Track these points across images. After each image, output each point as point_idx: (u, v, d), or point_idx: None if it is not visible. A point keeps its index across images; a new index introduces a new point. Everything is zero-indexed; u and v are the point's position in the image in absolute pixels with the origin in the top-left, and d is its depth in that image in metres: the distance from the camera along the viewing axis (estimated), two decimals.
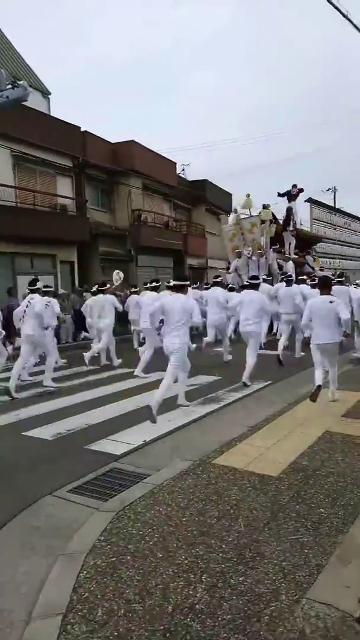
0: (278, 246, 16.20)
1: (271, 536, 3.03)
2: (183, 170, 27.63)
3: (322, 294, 6.44)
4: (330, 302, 6.19)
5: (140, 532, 3.10)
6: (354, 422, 5.44)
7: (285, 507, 3.42)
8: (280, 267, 15.14)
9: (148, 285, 9.65)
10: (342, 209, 44.83)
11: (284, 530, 3.11)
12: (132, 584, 2.56)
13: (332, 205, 43.91)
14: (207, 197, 27.47)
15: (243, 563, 2.74)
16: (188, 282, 6.71)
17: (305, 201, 34.51)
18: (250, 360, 7.67)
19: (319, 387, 6.07)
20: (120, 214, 20.94)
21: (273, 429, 5.23)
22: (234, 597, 2.43)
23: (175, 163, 24.62)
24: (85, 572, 2.69)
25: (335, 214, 41.72)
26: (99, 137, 19.59)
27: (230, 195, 31.06)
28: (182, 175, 27.26)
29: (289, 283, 10.15)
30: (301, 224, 20.72)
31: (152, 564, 2.74)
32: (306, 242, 18.86)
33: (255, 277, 8.88)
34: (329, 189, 48.47)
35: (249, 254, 15.46)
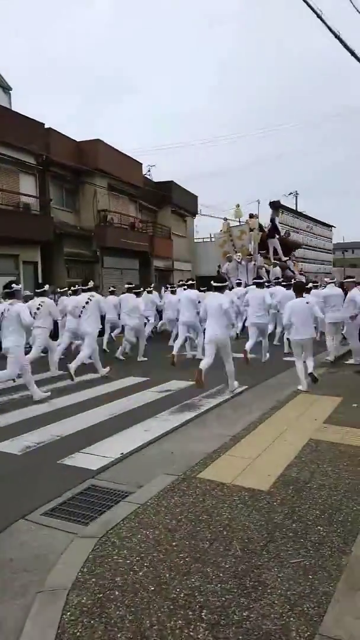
0: (265, 252, 17.89)
1: (271, 560, 2.79)
2: (149, 171, 27.32)
3: (297, 296, 7.45)
4: (307, 302, 7.30)
5: (128, 561, 2.80)
6: (336, 429, 5.30)
7: (281, 525, 3.19)
8: (267, 272, 16.51)
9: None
10: (304, 212, 45.64)
11: (284, 552, 2.88)
12: (124, 626, 2.27)
13: (294, 208, 44.58)
14: (172, 199, 27.26)
15: (245, 594, 2.48)
16: (227, 283, 8.08)
17: (268, 204, 35.06)
18: (264, 342, 9.81)
19: (311, 374, 7.20)
20: (85, 214, 20.46)
21: (256, 437, 5.02)
22: (240, 638, 2.18)
23: (141, 163, 24.29)
24: (69, 612, 2.38)
25: (298, 218, 42.46)
26: (63, 134, 19.07)
27: (196, 197, 31.00)
28: (148, 176, 26.93)
29: (287, 287, 11.44)
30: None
31: (144, 600, 2.45)
32: (287, 248, 20.17)
33: (260, 278, 10.70)
34: (291, 193, 49.23)
35: (238, 258, 16.80)
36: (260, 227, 18.23)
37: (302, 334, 7.12)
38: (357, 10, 9.38)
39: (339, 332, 10.14)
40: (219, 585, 2.56)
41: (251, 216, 18.08)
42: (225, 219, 19.37)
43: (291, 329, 7.25)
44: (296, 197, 49.02)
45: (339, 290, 9.98)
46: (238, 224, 18.44)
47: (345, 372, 8.74)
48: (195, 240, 32.42)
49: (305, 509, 3.43)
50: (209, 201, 69.58)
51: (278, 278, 15.16)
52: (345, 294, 9.80)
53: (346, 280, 11.13)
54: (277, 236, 18.63)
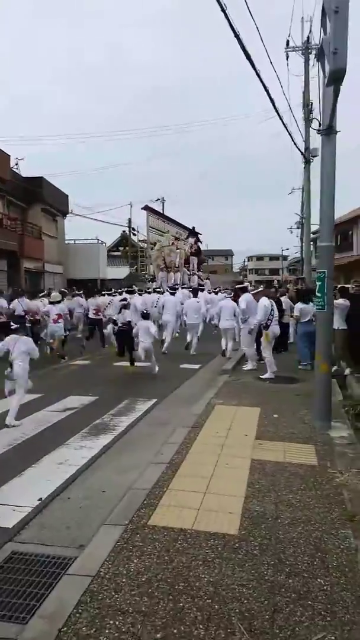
0: (188, 266, 24.59)
1: None
2: (17, 164, 25.10)
3: (193, 297, 12.73)
4: (197, 302, 12.24)
5: None
6: (273, 446, 4.91)
7: (277, 584, 2.61)
8: (189, 279, 23.07)
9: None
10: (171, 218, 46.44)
11: (298, 624, 2.29)
12: None
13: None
14: (43, 196, 25.49)
15: None
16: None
17: (142, 209, 35.12)
18: (195, 340, 11.95)
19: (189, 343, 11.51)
20: None
21: (194, 464, 4.38)
22: None
23: (8, 155, 22.21)
24: None
25: (168, 223, 42.98)
26: None
27: (66, 196, 29.46)
28: (16, 170, 24.80)
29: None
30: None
31: None
32: (198, 262, 27.91)
33: (201, 286, 15.90)
34: (158, 199, 49.89)
35: (168, 270, 21.91)
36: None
37: (193, 320, 11.64)
38: (252, 17, 9.35)
39: (231, 338, 10.74)
40: None
41: (177, 238, 24.89)
42: (159, 241, 24.84)
43: (187, 316, 11.69)
44: (163, 203, 49.78)
45: (232, 303, 10.60)
46: (168, 244, 24.20)
47: (247, 379, 8.55)
48: (67, 242, 30.86)
49: (291, 555, 2.90)
50: (78, 201, 67.53)
51: (187, 285, 20.57)
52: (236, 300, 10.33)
53: (236, 287, 11.61)
54: (200, 256, 26.56)
